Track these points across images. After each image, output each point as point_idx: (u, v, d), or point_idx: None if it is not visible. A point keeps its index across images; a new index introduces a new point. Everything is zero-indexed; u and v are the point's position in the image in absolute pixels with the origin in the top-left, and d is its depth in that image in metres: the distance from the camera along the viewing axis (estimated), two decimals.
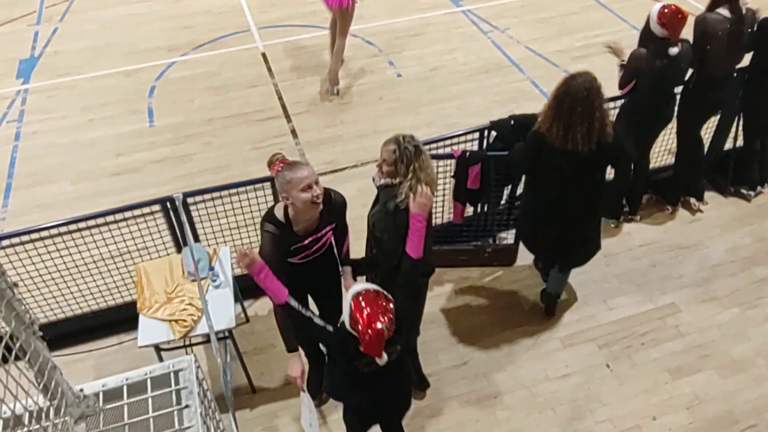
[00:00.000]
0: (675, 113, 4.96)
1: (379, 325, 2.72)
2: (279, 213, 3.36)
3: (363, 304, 2.79)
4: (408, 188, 3.36)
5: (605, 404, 4.17)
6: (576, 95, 3.63)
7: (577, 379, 4.32)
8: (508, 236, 5.02)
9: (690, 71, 4.85)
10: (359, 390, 3.23)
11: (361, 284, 3.00)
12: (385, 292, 2.90)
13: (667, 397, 4.20)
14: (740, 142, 5.56)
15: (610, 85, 6.50)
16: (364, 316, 2.75)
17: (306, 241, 3.41)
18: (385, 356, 2.83)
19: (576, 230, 4.17)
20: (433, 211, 4.78)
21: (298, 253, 3.44)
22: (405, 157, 3.37)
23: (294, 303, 3.02)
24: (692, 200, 5.50)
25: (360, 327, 2.75)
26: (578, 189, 3.95)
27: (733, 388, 4.25)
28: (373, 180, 3.62)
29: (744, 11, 4.66)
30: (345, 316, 2.87)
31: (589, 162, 3.80)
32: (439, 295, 4.88)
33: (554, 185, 3.97)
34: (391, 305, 2.84)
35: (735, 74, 4.97)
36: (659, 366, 4.38)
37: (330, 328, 2.99)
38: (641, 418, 4.10)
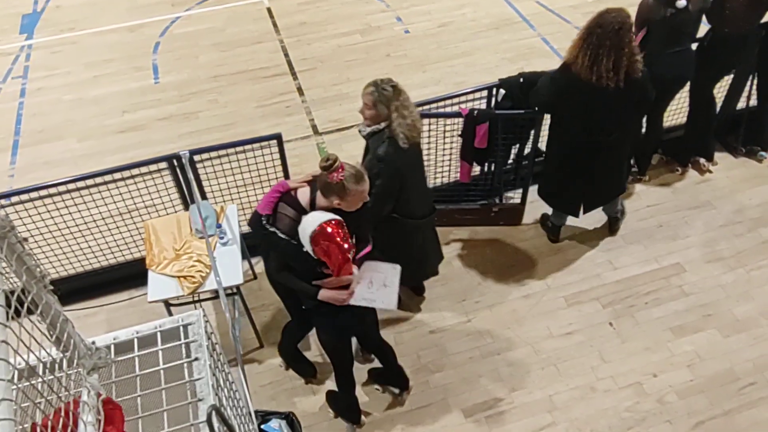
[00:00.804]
0: (689, 76, 4.84)
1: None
2: (304, 200, 3.24)
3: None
4: (396, 126, 3.46)
5: (607, 362, 4.23)
6: (607, 28, 3.70)
7: (580, 336, 4.37)
8: (515, 196, 5.01)
9: (707, 29, 4.75)
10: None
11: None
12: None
13: (669, 355, 4.25)
14: (753, 102, 5.49)
15: None
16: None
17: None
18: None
19: (604, 179, 4.26)
20: (440, 170, 4.80)
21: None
22: (384, 97, 3.44)
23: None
24: (701, 160, 5.46)
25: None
26: (606, 131, 3.99)
27: (734, 347, 4.29)
28: (360, 132, 3.68)
29: None
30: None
31: (616, 100, 3.83)
32: (444, 253, 4.89)
33: (581, 128, 4.01)
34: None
35: (754, 34, 4.83)
36: (662, 325, 4.42)
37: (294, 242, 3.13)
38: (642, 375, 4.15)
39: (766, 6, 4.72)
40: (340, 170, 3.03)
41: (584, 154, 4.17)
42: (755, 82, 5.31)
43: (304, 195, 3.25)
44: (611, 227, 4.99)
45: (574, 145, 4.21)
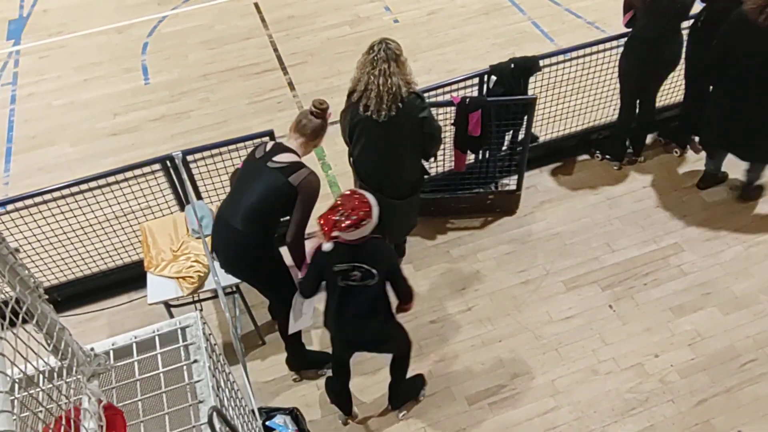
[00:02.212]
0: (680, 58, 4.80)
1: (335, 216, 3.06)
2: (296, 158, 3.45)
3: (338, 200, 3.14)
4: (358, 92, 3.66)
5: (608, 344, 4.24)
6: None
7: (580, 320, 4.38)
8: (510, 182, 5.01)
9: (700, 7, 4.73)
10: (335, 309, 3.38)
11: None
12: (366, 194, 3.18)
13: (669, 335, 4.27)
14: None
15: (612, 23, 6.43)
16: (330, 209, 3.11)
17: None
18: (329, 244, 3.09)
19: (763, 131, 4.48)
20: (435, 159, 4.78)
21: None
22: (375, 61, 3.61)
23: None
24: (697, 139, 5.44)
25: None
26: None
27: (734, 324, 4.30)
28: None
29: None
30: None
31: None
32: (441, 243, 4.91)
33: (748, 73, 4.28)
34: (365, 204, 3.09)
35: None
36: (662, 305, 4.43)
37: None
38: (643, 356, 4.17)
39: None
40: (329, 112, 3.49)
41: (749, 95, 4.38)
42: None
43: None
44: (745, 195, 5.04)
45: (736, 87, 4.43)
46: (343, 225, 3.05)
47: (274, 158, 3.38)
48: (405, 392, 3.99)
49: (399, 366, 3.84)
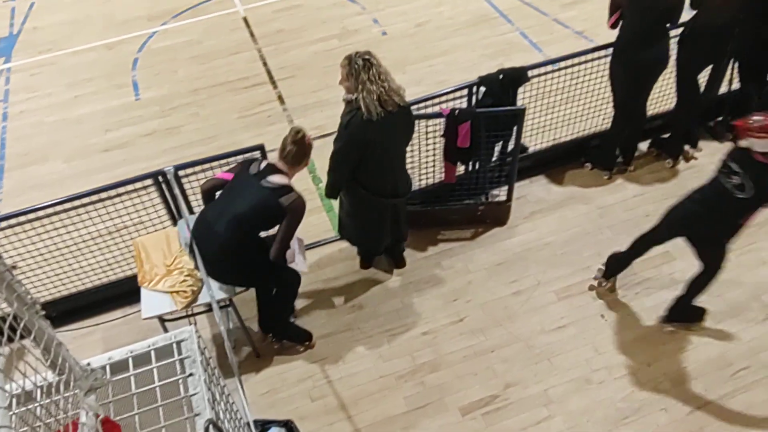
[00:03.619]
0: (669, 60, 4.84)
1: None
2: (287, 181, 3.71)
3: None
4: (363, 98, 3.66)
5: (600, 353, 4.26)
6: None
7: (573, 330, 4.40)
8: (501, 193, 5.04)
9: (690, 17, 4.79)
10: None
11: None
12: None
13: (662, 343, 4.29)
14: (735, 86, 5.54)
15: (600, 32, 6.50)
16: None
17: None
18: None
19: None
20: (425, 171, 4.83)
21: None
22: (354, 70, 3.66)
23: None
24: (686, 147, 5.51)
25: None
26: None
27: (726, 332, 4.33)
28: (342, 96, 3.91)
29: None
30: None
31: None
32: (433, 255, 4.94)
33: None
34: None
35: (735, 24, 4.81)
36: (654, 313, 4.45)
37: None
38: (636, 365, 4.19)
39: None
40: (308, 135, 3.69)
41: None
42: (736, 66, 5.36)
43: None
44: None
45: None
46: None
47: (269, 178, 3.65)
48: None
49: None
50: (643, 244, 4.31)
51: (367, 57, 3.68)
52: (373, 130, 3.73)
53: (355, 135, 3.79)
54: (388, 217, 4.38)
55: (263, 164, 3.76)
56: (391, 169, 4.12)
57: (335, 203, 5.27)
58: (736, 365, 4.16)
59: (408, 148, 4.57)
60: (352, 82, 3.70)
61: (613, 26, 4.75)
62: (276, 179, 3.65)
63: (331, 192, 4.22)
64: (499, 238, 5.02)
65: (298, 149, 3.69)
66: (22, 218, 4.04)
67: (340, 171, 4.04)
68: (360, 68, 3.64)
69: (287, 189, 3.65)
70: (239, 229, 3.68)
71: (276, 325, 4.35)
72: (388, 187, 4.16)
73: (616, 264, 4.49)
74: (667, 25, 4.69)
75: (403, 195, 4.31)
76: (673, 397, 4.02)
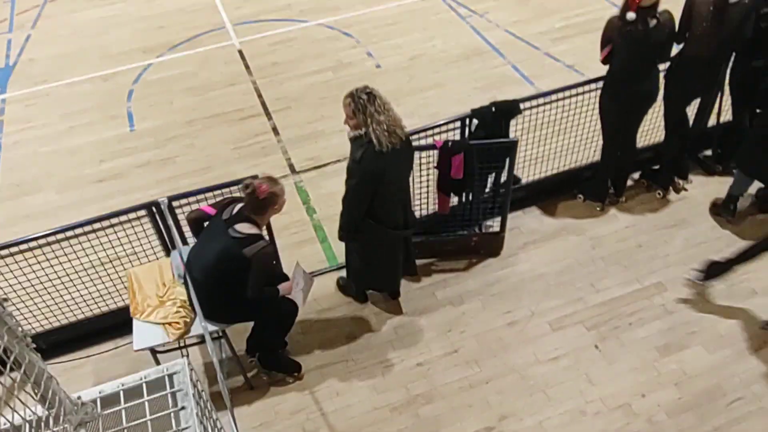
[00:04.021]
0: (658, 93, 4.92)
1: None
2: (254, 230, 3.65)
3: None
4: (373, 131, 3.65)
5: (595, 384, 4.25)
6: None
7: (567, 361, 4.39)
8: (494, 224, 5.07)
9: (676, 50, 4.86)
10: None
11: None
12: None
13: (656, 374, 4.28)
14: (723, 119, 5.61)
15: (591, 65, 6.60)
16: None
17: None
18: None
19: None
20: (419, 202, 4.85)
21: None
22: (360, 105, 3.67)
23: None
24: (676, 178, 5.56)
25: None
26: None
27: (720, 363, 4.33)
28: (348, 136, 3.91)
29: None
30: None
31: None
32: (427, 285, 4.93)
33: None
34: None
35: (721, 56, 4.92)
36: (647, 344, 4.45)
37: None
38: (631, 396, 4.18)
39: (729, 30, 4.72)
40: (261, 185, 3.57)
41: None
42: (725, 99, 5.44)
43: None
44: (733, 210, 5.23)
45: None
46: None
47: (236, 226, 3.62)
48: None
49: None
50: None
51: (369, 90, 3.69)
52: (385, 161, 3.72)
53: (370, 169, 3.74)
54: (402, 251, 4.40)
55: (236, 209, 3.73)
56: (401, 201, 4.13)
57: (328, 231, 5.29)
58: (730, 396, 4.15)
59: None
60: (360, 117, 3.68)
61: (605, 61, 4.81)
62: (243, 228, 3.61)
63: (346, 233, 4.14)
64: (493, 269, 5.03)
65: (252, 202, 3.63)
66: (13, 249, 4.02)
67: (356, 208, 3.96)
68: (366, 102, 3.65)
69: (253, 238, 3.60)
70: (211, 277, 3.71)
71: (263, 352, 4.33)
72: (400, 219, 4.15)
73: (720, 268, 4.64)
74: (657, 60, 4.77)
75: (412, 226, 4.31)
76: (668, 428, 4.00)
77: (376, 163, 3.72)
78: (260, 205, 3.62)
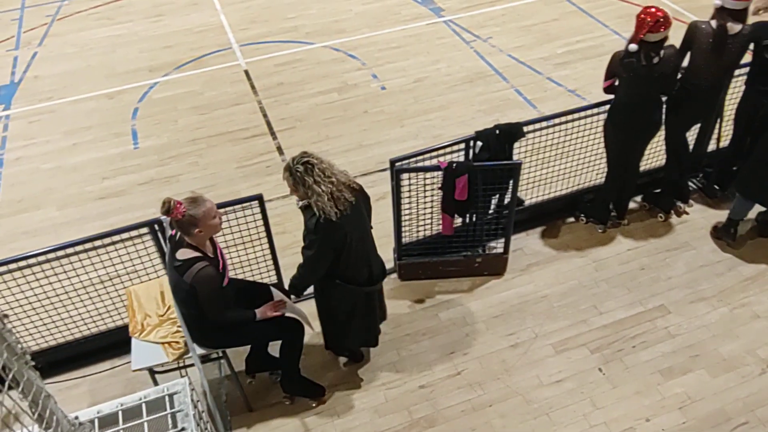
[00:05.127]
0: (662, 122, 4.97)
1: None
2: (192, 254, 3.50)
3: None
4: (315, 203, 3.52)
5: (599, 408, 4.20)
6: None
7: (570, 384, 4.34)
8: (498, 245, 5.05)
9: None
10: None
11: None
12: None
13: (660, 398, 4.24)
14: (723, 144, 5.64)
15: (593, 90, 6.64)
16: None
17: (220, 262, 3.66)
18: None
19: None
20: (422, 223, 4.83)
21: (224, 275, 3.67)
22: (298, 178, 3.50)
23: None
24: (678, 203, 5.56)
25: None
26: None
27: (723, 387, 4.29)
28: (297, 203, 3.77)
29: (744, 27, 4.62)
30: None
31: None
32: (430, 306, 4.90)
33: None
34: None
35: (720, 84, 4.96)
36: (651, 368, 4.41)
37: None
38: (635, 420, 4.12)
39: (728, 60, 4.78)
40: (179, 206, 3.35)
41: None
42: (724, 125, 5.46)
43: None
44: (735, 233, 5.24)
45: None
46: None
47: (176, 255, 3.52)
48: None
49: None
50: None
51: (305, 160, 3.49)
52: (341, 226, 3.58)
53: (326, 237, 3.60)
54: (361, 311, 4.09)
55: (177, 235, 3.57)
56: (366, 255, 3.91)
57: None
58: (735, 421, 4.10)
59: (406, 200, 4.59)
60: (301, 189, 3.52)
61: (607, 90, 4.84)
62: (180, 254, 3.50)
63: (296, 289, 4.02)
64: (496, 290, 5.00)
65: (175, 222, 3.44)
66: (12, 265, 3.99)
67: (313, 275, 3.89)
68: (303, 174, 3.46)
69: (190, 263, 3.46)
70: (177, 303, 3.67)
71: (283, 377, 4.25)
72: (364, 274, 3.95)
73: None
74: (662, 92, 4.81)
75: (377, 281, 4.05)
76: None
77: (333, 231, 3.58)
78: (180, 225, 3.43)
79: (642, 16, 4.41)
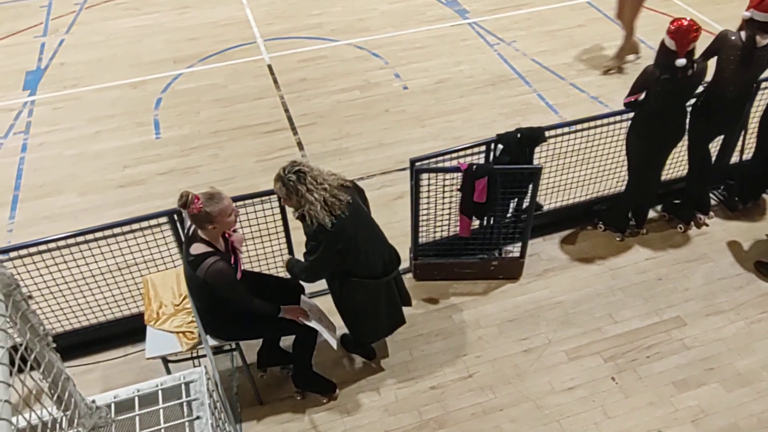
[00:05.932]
0: (685, 133, 4.93)
1: None
2: (204, 248, 3.50)
3: None
4: (308, 212, 3.51)
5: (610, 417, 4.17)
6: None
7: (583, 391, 4.32)
8: (514, 249, 5.03)
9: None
10: None
11: None
12: None
13: (673, 410, 4.20)
14: (746, 156, 5.58)
15: (615, 98, 6.59)
16: None
17: (232, 256, 3.67)
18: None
19: None
20: (440, 224, 4.82)
21: (236, 268, 3.68)
22: (291, 187, 3.50)
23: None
24: (698, 214, 5.51)
25: None
26: None
27: (738, 402, 4.24)
28: (293, 215, 3.76)
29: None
30: None
31: None
32: (444, 308, 4.89)
33: None
34: None
35: (746, 95, 4.93)
36: (664, 379, 4.37)
37: None
38: (646, 431, 4.09)
39: (755, 71, 4.77)
40: (196, 200, 3.33)
41: None
42: (748, 137, 5.41)
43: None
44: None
45: None
46: None
47: (189, 250, 3.52)
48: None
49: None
50: None
51: (297, 168, 3.49)
52: (344, 229, 3.57)
53: (328, 243, 3.59)
54: (383, 300, 4.10)
55: (191, 229, 3.57)
56: (376, 248, 3.91)
57: None
58: None
59: (425, 201, 4.58)
60: (294, 199, 3.53)
61: (628, 105, 4.77)
62: (193, 249, 3.49)
63: (290, 274, 4.03)
64: (511, 294, 4.98)
65: (190, 216, 3.44)
66: (32, 249, 4.03)
67: (315, 277, 3.96)
68: (295, 182, 3.47)
69: (202, 257, 3.45)
70: (191, 295, 3.75)
71: (294, 371, 4.27)
72: (379, 266, 3.93)
73: None
74: (687, 103, 4.78)
75: (393, 270, 4.03)
76: None
77: (335, 237, 3.57)
78: (196, 219, 3.43)
79: (684, 27, 4.30)
